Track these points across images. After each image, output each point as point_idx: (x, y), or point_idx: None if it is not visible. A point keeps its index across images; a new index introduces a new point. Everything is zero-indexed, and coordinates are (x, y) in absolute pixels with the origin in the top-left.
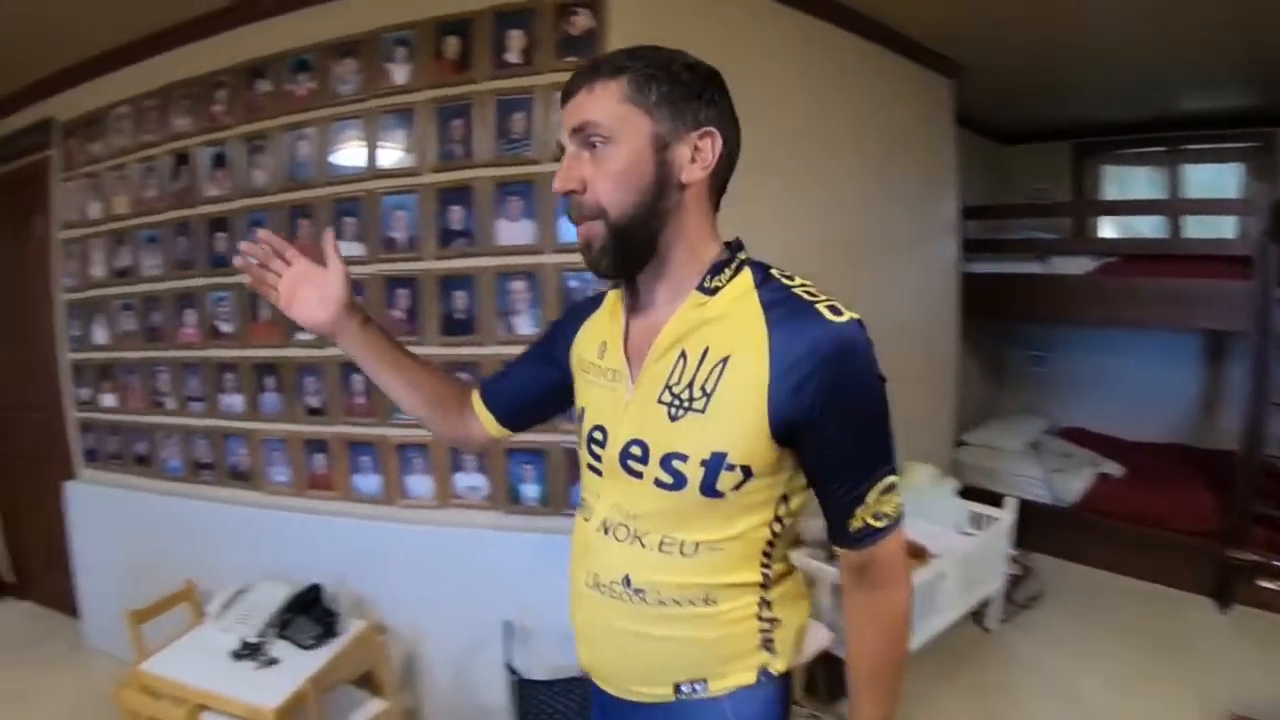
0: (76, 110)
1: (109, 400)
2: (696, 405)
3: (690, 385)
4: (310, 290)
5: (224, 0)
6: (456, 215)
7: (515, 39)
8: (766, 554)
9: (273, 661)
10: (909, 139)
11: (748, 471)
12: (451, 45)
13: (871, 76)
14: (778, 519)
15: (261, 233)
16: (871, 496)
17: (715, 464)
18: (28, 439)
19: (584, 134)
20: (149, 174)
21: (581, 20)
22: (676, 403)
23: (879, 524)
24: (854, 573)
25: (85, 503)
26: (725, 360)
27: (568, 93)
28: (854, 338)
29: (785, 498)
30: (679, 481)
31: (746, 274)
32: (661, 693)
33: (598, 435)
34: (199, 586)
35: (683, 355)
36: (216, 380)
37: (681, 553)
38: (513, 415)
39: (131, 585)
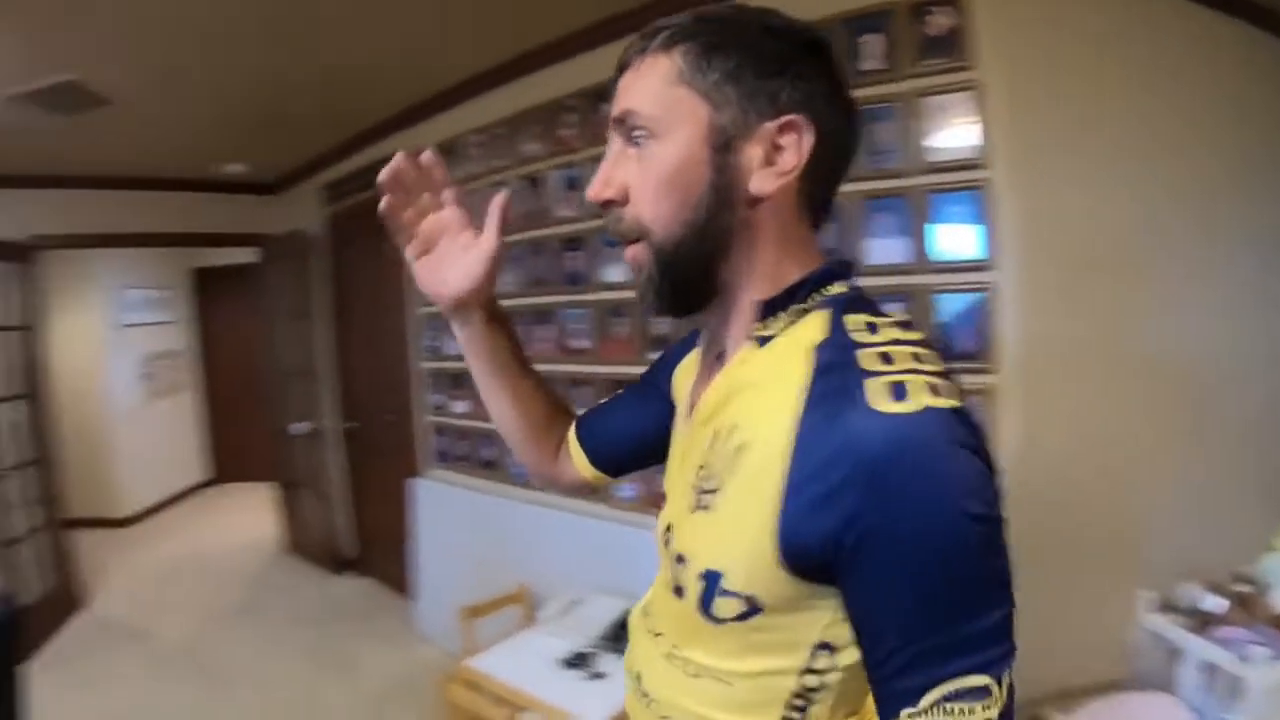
0: (436, 137)
1: (460, 407)
2: (706, 501)
3: (712, 473)
4: (451, 255)
5: (588, 20)
6: (826, 233)
7: (871, 44)
8: (797, 708)
9: (600, 675)
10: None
11: (753, 603)
12: None
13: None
14: (812, 670)
15: (424, 155)
16: (937, 695)
17: (711, 583)
18: (384, 438)
19: (625, 126)
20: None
21: (941, 20)
22: (699, 490)
23: None
24: None
25: (430, 499)
26: (741, 448)
27: (618, 72)
28: (919, 440)
29: (827, 647)
30: (679, 590)
31: (818, 320)
32: None
33: (665, 500)
34: (531, 591)
35: (716, 431)
36: (569, 395)
37: (685, 672)
38: (609, 457)
39: (464, 579)
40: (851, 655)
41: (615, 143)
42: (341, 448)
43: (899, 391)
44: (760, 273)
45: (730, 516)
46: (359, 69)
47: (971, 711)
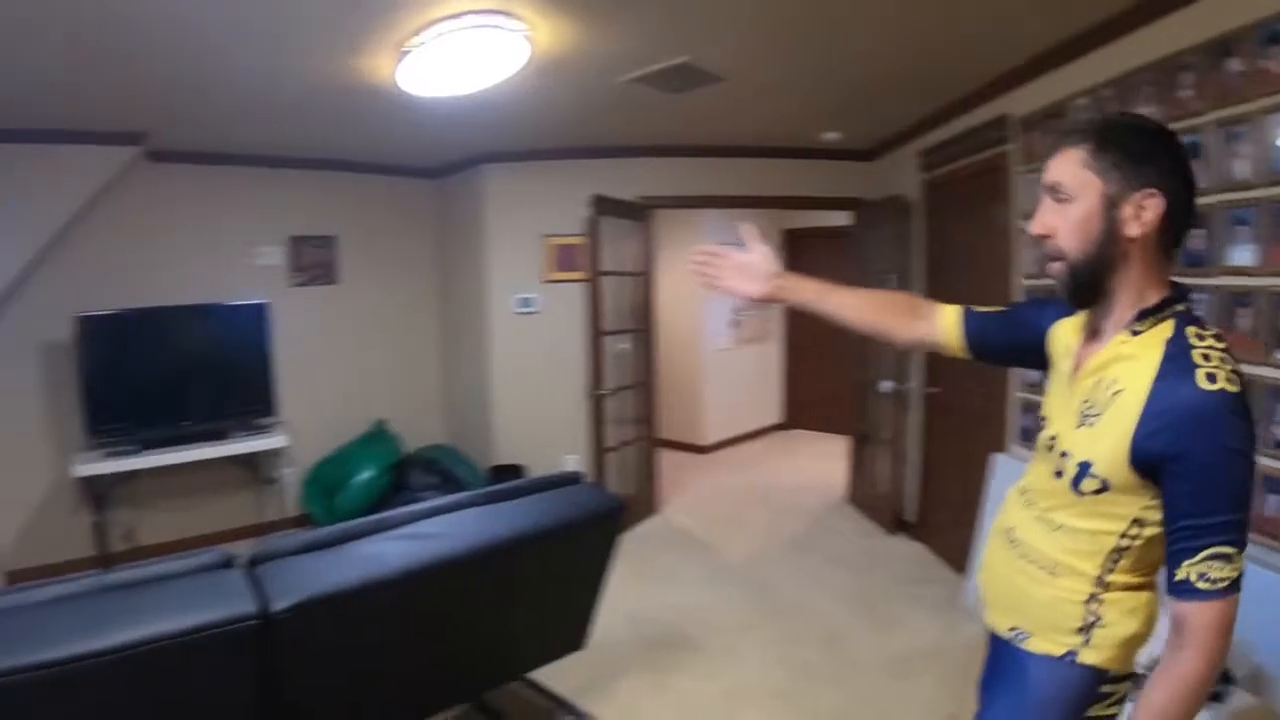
0: (1031, 105)
1: None
2: (1090, 421)
3: (1094, 404)
4: (740, 272)
5: None
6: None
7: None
8: (1113, 560)
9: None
10: None
11: (1105, 484)
12: None
13: None
14: (1126, 534)
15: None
16: (1200, 556)
17: (1083, 469)
18: (966, 406)
19: (1054, 192)
20: None
21: None
22: (1083, 414)
23: (1200, 585)
24: (1173, 624)
25: (1009, 477)
26: (1118, 392)
27: (1047, 155)
28: (1216, 407)
29: (1139, 521)
30: (1060, 474)
31: (1169, 325)
32: (1003, 627)
33: (1042, 420)
34: None
35: (1100, 379)
36: None
37: (1049, 528)
38: (981, 344)
39: None
40: (1151, 530)
41: (1046, 200)
42: (920, 410)
43: (1212, 379)
44: (1131, 285)
45: (1104, 431)
46: (948, 43)
47: (1222, 568)
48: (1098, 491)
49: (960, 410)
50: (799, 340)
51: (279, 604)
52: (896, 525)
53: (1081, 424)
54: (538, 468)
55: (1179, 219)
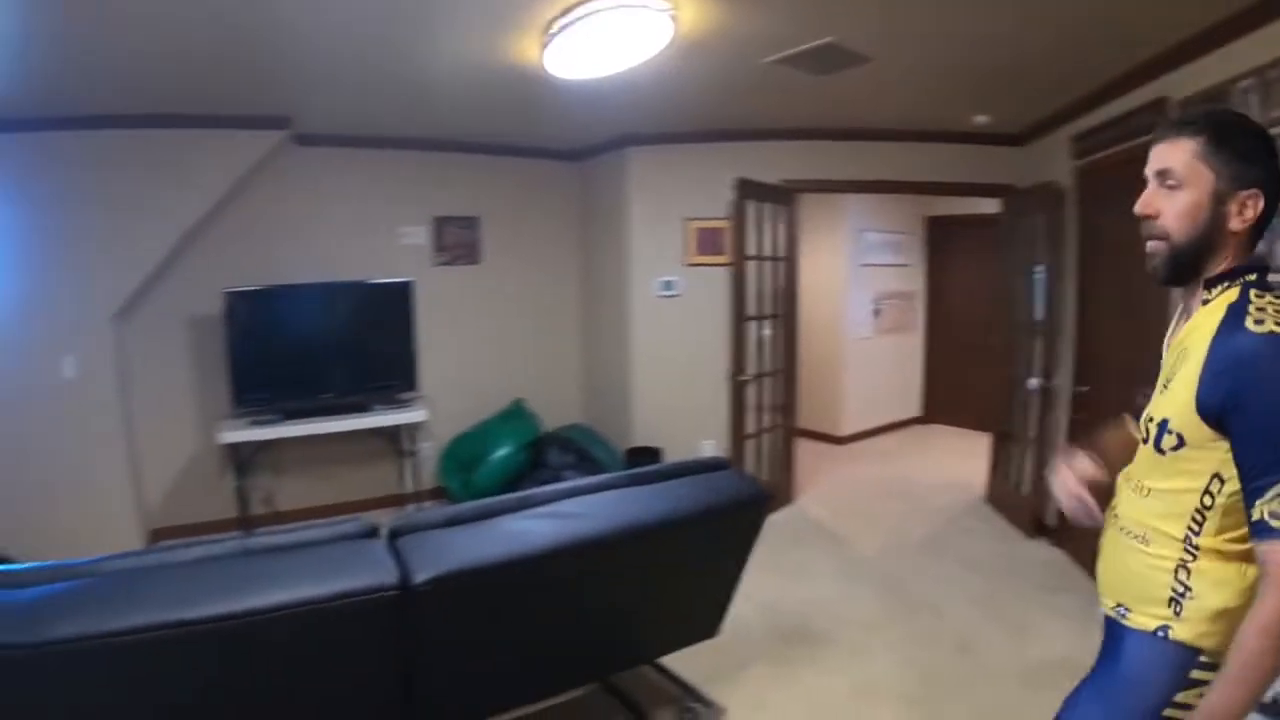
0: (1192, 87)
1: None
2: (1165, 383)
3: (1172, 371)
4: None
5: None
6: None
7: None
8: (1196, 520)
9: None
10: None
11: (1181, 439)
12: None
13: None
14: (1208, 491)
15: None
16: (1270, 494)
17: (1162, 427)
18: (1117, 408)
19: (1163, 176)
20: None
21: None
22: (1164, 383)
23: (1273, 523)
24: (1260, 568)
25: None
26: (1185, 353)
27: (1155, 140)
28: (1264, 347)
29: (1218, 476)
30: (1146, 438)
31: (1235, 290)
32: (1110, 604)
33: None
34: None
35: (1178, 350)
36: None
37: (1140, 495)
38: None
39: None
40: (1232, 487)
41: (1153, 183)
42: (1067, 410)
43: (1260, 322)
44: (1221, 269)
45: (1176, 389)
46: (1100, 20)
47: None
48: (1176, 448)
49: (1112, 411)
50: (941, 332)
51: (420, 575)
52: (1036, 529)
53: (1163, 389)
54: (675, 452)
55: (1270, 214)
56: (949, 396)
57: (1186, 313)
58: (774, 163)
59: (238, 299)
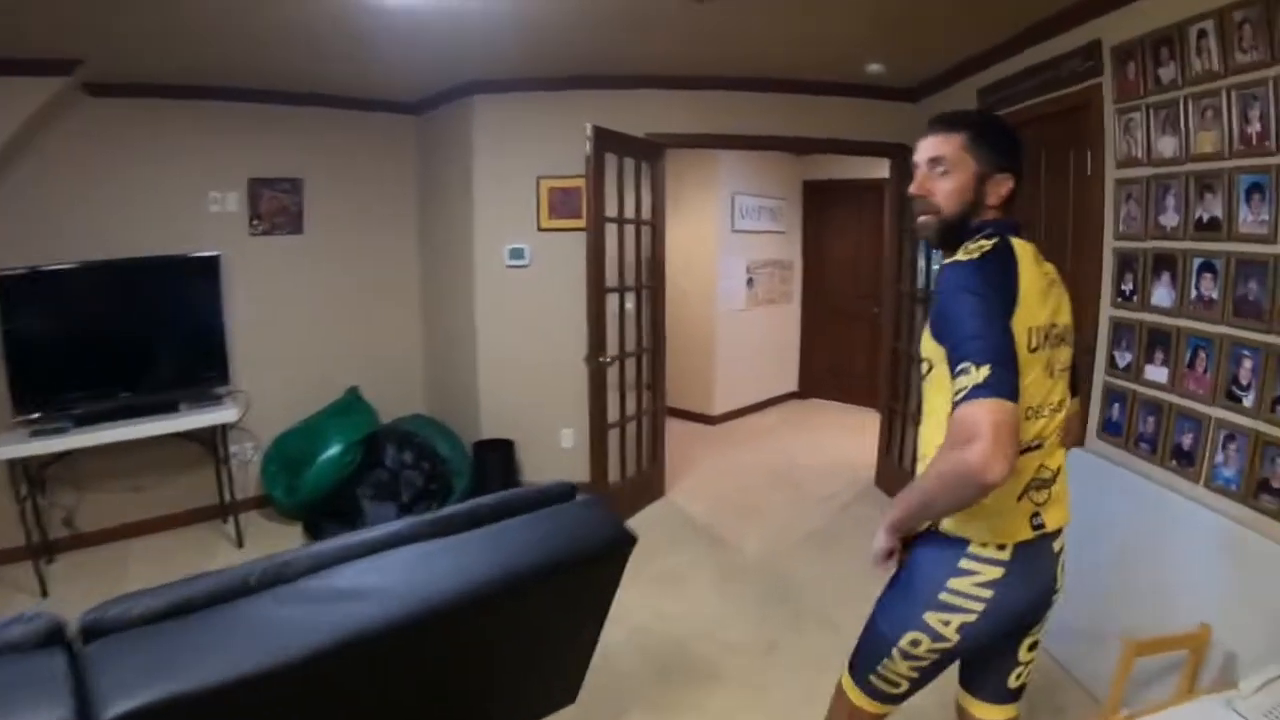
0: (1131, 30)
1: (1155, 374)
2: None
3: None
4: None
5: None
6: None
7: None
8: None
9: None
10: None
11: (930, 364)
12: None
13: None
14: (953, 401)
15: None
16: (955, 370)
17: (921, 359)
18: None
19: (936, 163)
20: (1250, 105)
21: None
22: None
23: (957, 396)
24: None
25: (1081, 473)
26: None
27: (927, 134)
28: (948, 267)
29: None
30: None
31: (967, 244)
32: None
33: None
34: (1213, 639)
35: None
36: None
37: (921, 422)
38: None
39: (1111, 586)
40: None
41: (925, 168)
42: None
43: (953, 259)
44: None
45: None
46: None
47: (961, 379)
48: (928, 372)
49: None
50: (819, 303)
51: (111, 710)
52: None
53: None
54: (529, 445)
55: (1018, 192)
56: (828, 371)
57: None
58: (640, 113)
59: (12, 284)
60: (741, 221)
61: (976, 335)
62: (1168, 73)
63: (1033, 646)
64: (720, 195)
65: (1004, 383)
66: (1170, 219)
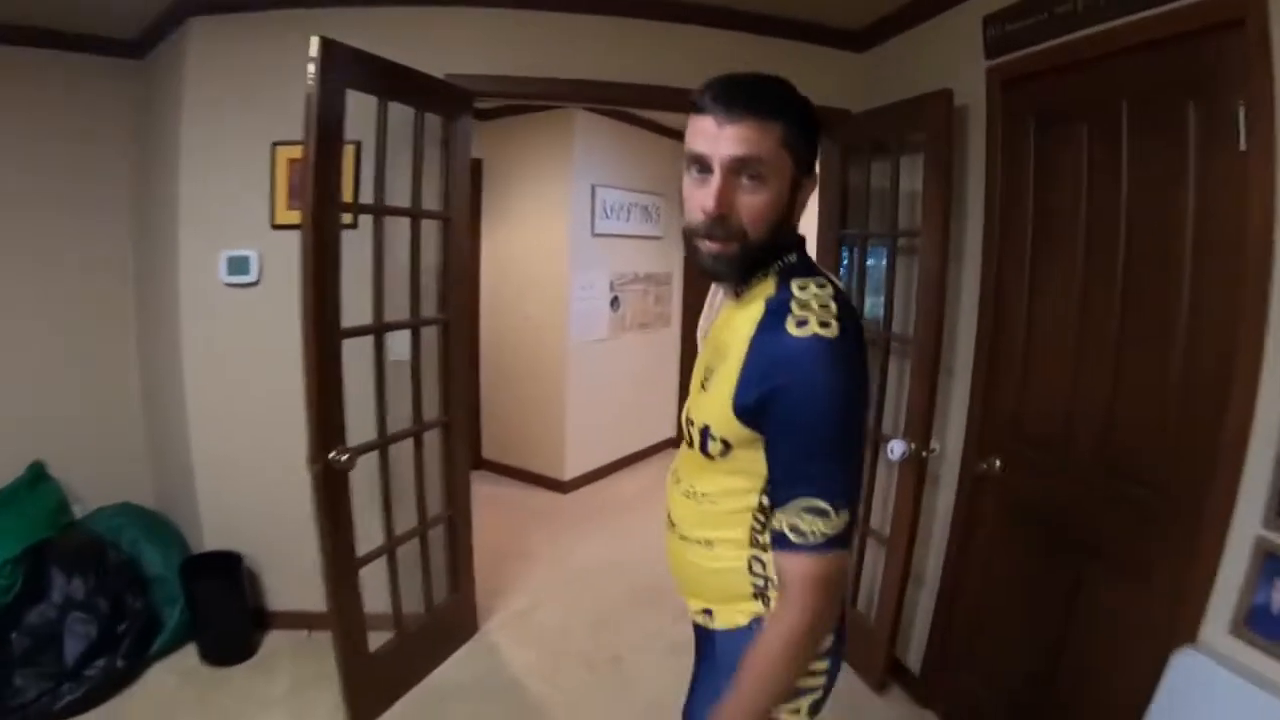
0: None
1: None
2: (706, 385)
3: (710, 368)
4: None
5: None
6: None
7: None
8: (759, 519)
9: None
10: None
11: (727, 444)
12: None
13: None
14: (764, 491)
15: None
16: (794, 506)
17: (705, 432)
18: (1078, 519)
19: (745, 166)
20: None
21: None
22: (703, 381)
23: (793, 538)
24: (776, 576)
25: (1208, 692)
26: (722, 349)
27: (728, 119)
28: (807, 351)
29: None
30: (690, 442)
31: (771, 280)
32: (697, 610)
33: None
34: None
35: (715, 344)
36: None
37: (692, 499)
38: None
39: None
40: None
41: (726, 174)
42: (955, 493)
43: (802, 324)
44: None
45: (715, 391)
46: None
47: (814, 522)
48: (724, 452)
49: (1048, 509)
50: (692, 329)
51: None
52: (886, 675)
53: (700, 391)
54: (272, 557)
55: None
56: None
57: (722, 303)
58: (437, 46)
59: None
60: (605, 223)
61: (845, 469)
62: None
63: None
64: (576, 186)
65: (852, 526)
66: None
